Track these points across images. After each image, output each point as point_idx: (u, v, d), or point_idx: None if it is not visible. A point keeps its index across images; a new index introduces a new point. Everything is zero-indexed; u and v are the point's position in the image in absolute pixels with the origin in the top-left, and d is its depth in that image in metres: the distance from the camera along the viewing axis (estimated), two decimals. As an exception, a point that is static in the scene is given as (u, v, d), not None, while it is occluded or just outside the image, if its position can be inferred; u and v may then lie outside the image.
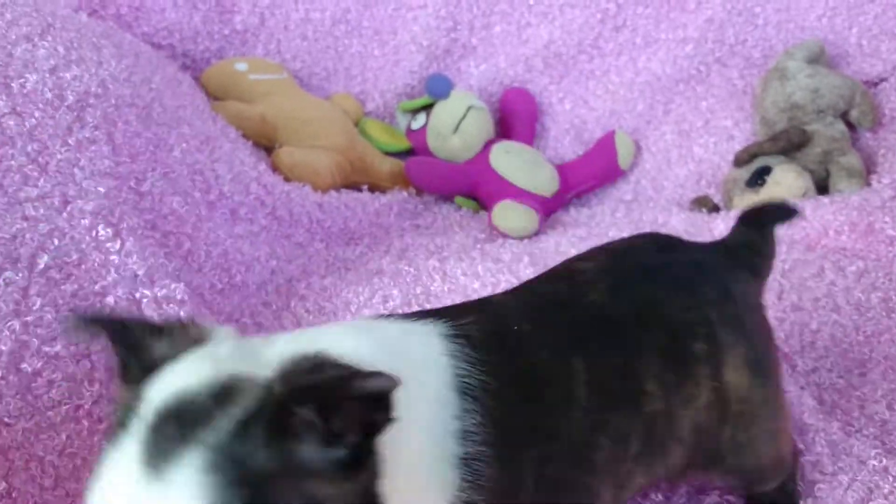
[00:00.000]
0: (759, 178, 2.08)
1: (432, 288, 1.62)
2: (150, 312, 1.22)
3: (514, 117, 2.46)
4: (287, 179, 1.90)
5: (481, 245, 1.96)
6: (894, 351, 1.47)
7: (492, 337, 0.86)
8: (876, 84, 2.40)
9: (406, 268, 1.72)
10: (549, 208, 2.30)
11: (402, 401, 0.65)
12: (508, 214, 2.06)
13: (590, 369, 0.87)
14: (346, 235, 1.93)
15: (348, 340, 0.76)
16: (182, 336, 0.71)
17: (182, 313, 1.23)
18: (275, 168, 1.94)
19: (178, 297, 1.24)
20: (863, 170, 2.10)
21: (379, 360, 0.69)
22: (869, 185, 2.04)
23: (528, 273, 1.64)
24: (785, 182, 2.04)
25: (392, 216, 2.10)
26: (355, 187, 2.14)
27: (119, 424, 0.64)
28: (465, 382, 0.80)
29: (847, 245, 1.80)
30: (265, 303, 1.55)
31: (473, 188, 2.29)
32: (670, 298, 0.96)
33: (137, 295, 1.23)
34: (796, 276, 1.64)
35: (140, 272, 1.24)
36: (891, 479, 1.19)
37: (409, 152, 2.41)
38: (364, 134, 2.34)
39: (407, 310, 1.53)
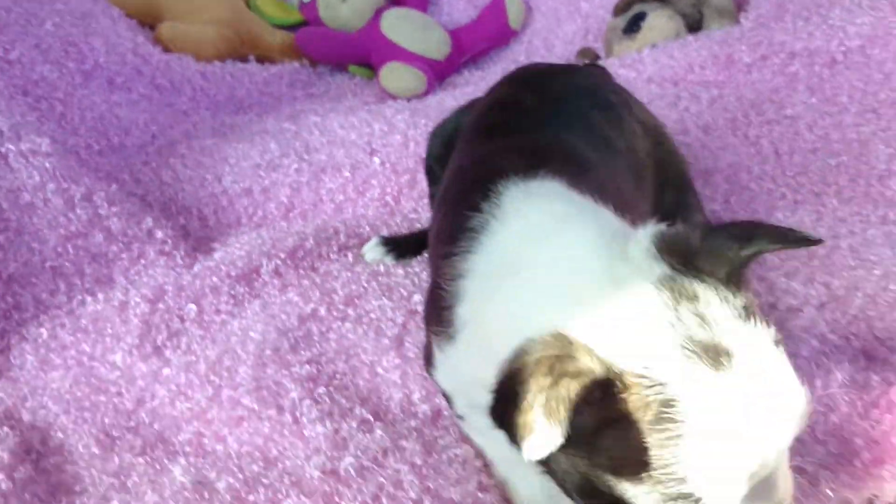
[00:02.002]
0: (634, 24, 2.15)
1: (311, 141, 1.69)
2: (18, 165, 1.29)
3: (406, -16, 2.50)
4: (168, 51, 1.95)
5: (369, 107, 2.02)
6: (737, 159, 1.57)
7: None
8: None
9: (288, 126, 1.79)
10: (442, 72, 2.36)
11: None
12: (395, 75, 2.12)
13: (582, 139, 1.03)
14: (233, 104, 1.99)
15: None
16: None
17: (48, 165, 1.30)
18: (157, 43, 1.98)
19: (44, 149, 1.31)
20: (733, 9, 2.18)
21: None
22: (739, 23, 2.12)
23: (401, 118, 1.72)
24: (657, 26, 2.11)
25: (283, 86, 2.16)
26: (244, 59, 2.18)
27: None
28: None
29: (710, 78, 1.89)
30: (145, 162, 1.62)
31: (366, 55, 2.34)
32: (569, 77, 1.21)
33: (3, 150, 1.29)
34: (653, 107, 1.73)
35: (5, 128, 1.30)
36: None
37: (303, 25, 2.45)
38: (255, 9, 2.37)
39: (284, 161, 1.62)
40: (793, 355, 1.04)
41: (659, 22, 2.13)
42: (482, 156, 1.03)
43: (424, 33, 2.34)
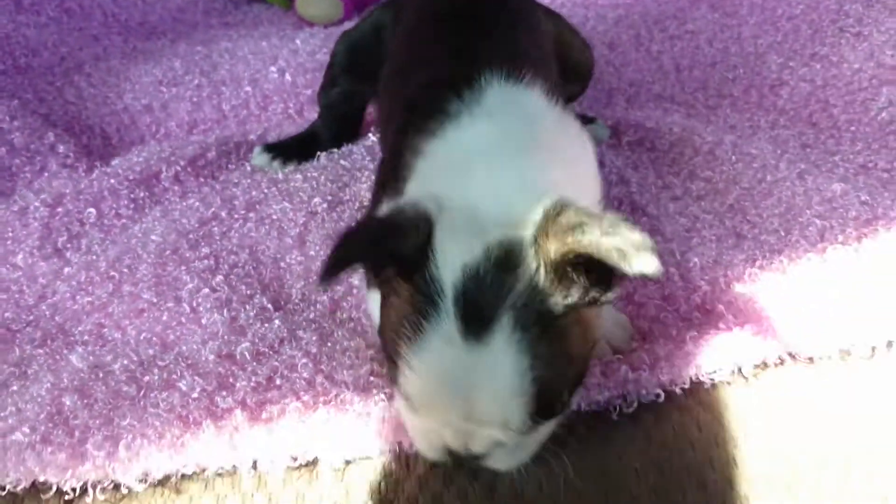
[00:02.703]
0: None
1: (216, 60, 1.69)
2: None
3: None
4: (78, -24, 1.94)
5: (283, 32, 2.02)
6: (638, 77, 1.62)
7: None
8: None
9: (198, 48, 1.79)
10: (362, 0, 2.36)
11: None
12: (311, 2, 2.12)
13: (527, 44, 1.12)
14: (146, 29, 1.98)
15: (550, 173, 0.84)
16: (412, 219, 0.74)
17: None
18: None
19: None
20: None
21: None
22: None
23: (313, 42, 1.73)
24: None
25: (198, 14, 2.14)
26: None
27: (423, 306, 0.72)
28: None
29: (619, 2, 1.94)
30: (50, 82, 1.62)
31: (284, -15, 2.33)
32: None
33: None
34: (560, 26, 1.77)
35: None
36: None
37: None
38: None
39: (187, 78, 1.63)
40: (660, 233, 1.11)
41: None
42: (459, 45, 1.07)
43: (343, -39, 2.33)
